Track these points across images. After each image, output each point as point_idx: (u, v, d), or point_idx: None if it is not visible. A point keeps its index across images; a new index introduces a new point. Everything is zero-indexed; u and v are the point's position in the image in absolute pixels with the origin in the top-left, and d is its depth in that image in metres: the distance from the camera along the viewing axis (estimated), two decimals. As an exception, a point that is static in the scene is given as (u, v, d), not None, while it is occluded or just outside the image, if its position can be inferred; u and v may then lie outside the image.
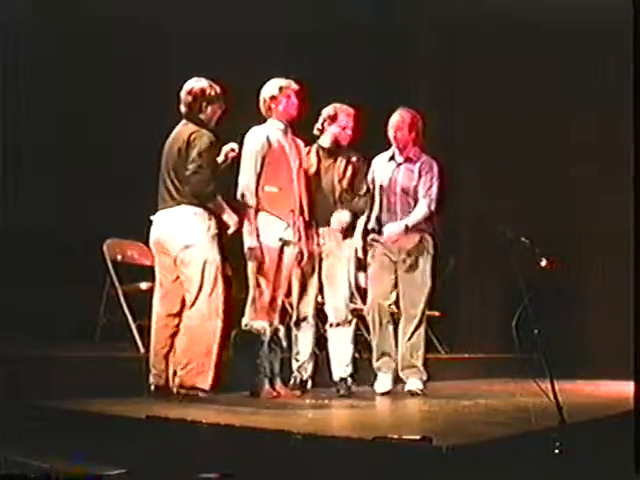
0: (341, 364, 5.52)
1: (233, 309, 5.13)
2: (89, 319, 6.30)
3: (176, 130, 5.01)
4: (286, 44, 7.81)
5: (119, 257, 6.42)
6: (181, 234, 4.87)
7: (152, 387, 4.90)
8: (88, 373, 4.88)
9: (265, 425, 3.87)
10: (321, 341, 5.74)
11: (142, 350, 5.76)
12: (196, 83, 4.99)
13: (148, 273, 5.89)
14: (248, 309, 5.22)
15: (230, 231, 5.00)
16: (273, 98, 5.26)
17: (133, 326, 5.92)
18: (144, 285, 5.96)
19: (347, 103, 5.64)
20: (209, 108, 4.98)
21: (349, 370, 5.53)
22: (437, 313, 8.20)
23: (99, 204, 6.58)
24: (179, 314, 4.93)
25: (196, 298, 4.83)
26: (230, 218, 4.98)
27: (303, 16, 7.75)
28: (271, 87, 5.29)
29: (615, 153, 7.05)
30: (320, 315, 5.64)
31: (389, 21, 8.57)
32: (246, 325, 5.20)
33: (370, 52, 8.62)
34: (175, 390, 4.81)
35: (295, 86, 5.33)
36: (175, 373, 4.83)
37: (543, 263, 4.69)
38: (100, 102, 6.76)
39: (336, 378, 5.53)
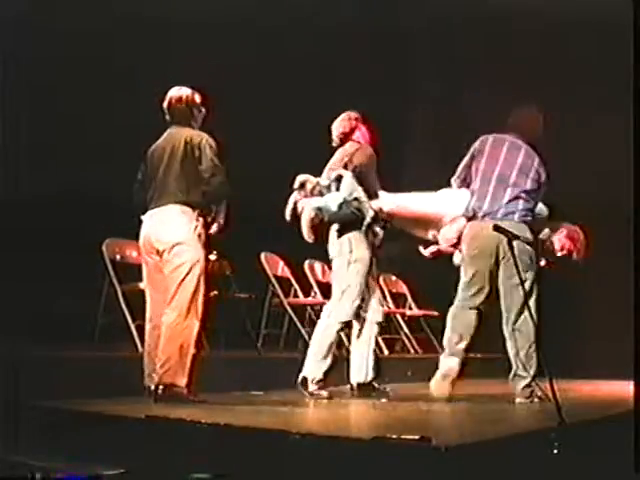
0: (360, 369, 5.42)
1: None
2: (88, 319, 6.29)
3: (171, 133, 5.03)
4: (285, 44, 7.81)
5: (118, 257, 6.42)
6: (167, 232, 4.88)
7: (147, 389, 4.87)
8: (88, 373, 4.87)
9: (265, 425, 3.87)
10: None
11: (141, 350, 5.76)
12: (182, 91, 5.06)
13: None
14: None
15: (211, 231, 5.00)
16: None
17: (132, 326, 5.92)
18: (143, 285, 5.95)
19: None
20: (194, 112, 5.05)
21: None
22: (437, 313, 8.21)
23: (99, 204, 6.56)
24: None
25: (173, 296, 4.80)
26: (218, 219, 5.00)
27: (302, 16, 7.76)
28: None
29: (615, 152, 7.04)
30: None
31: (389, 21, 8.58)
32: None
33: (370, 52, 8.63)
34: (154, 388, 4.77)
35: None
36: (154, 371, 4.81)
37: (542, 263, 4.68)
38: (101, 101, 6.76)
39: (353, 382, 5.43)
